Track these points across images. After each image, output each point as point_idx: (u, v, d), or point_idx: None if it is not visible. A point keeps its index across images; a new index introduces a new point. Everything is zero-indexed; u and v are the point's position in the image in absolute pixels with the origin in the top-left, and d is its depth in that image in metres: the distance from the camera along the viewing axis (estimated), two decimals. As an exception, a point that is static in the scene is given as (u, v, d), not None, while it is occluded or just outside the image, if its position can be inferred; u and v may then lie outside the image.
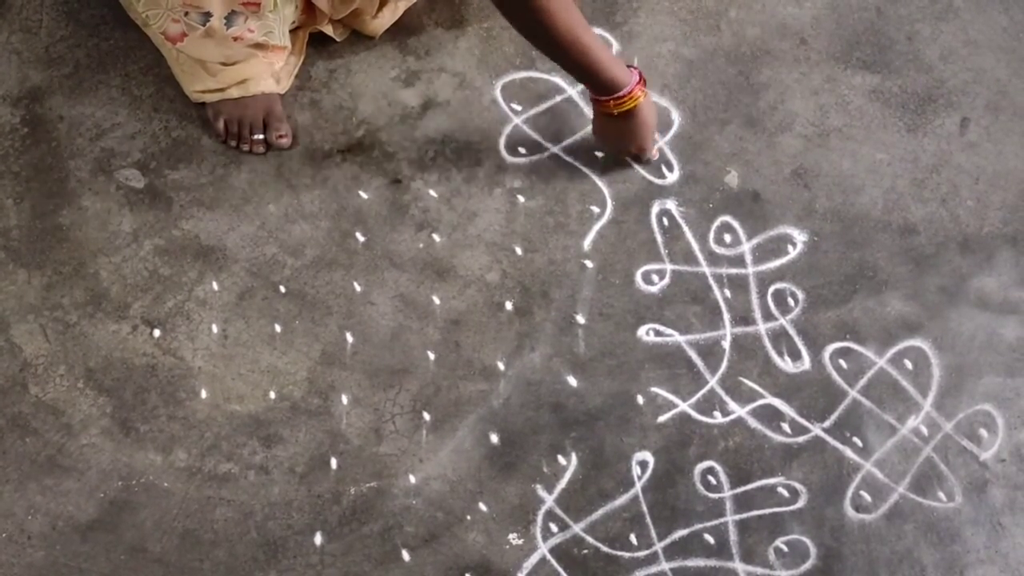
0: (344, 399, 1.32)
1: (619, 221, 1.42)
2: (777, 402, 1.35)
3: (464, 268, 1.38)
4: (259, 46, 1.32)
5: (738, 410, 1.34)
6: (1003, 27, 1.55)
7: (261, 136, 1.39)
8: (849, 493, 1.32)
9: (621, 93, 1.27)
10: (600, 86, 1.27)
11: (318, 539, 1.27)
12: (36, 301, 1.34)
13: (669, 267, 1.40)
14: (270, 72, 1.37)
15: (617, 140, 1.38)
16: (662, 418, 1.34)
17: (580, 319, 1.37)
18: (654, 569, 1.28)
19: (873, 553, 1.30)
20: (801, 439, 1.34)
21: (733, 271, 1.40)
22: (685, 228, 1.42)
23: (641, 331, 1.37)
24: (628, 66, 1.29)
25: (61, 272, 1.35)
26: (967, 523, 1.31)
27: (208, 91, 1.37)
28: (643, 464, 1.32)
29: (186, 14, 1.25)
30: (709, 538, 1.29)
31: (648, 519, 1.29)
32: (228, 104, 1.38)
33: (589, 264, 1.40)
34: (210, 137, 1.42)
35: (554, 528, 1.29)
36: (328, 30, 1.41)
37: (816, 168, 1.46)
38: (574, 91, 1.47)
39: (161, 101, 1.43)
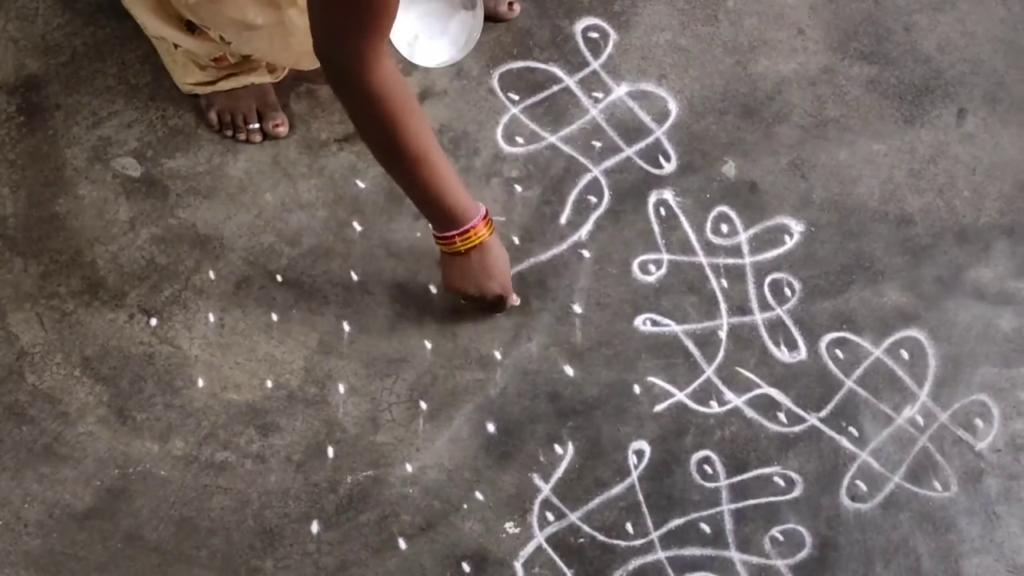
0: (341, 388, 1.32)
1: (616, 211, 1.42)
2: (773, 392, 1.35)
3: (461, 257, 1.38)
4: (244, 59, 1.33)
5: (734, 400, 1.34)
6: (1000, 18, 1.55)
7: (257, 125, 1.39)
8: (845, 483, 1.32)
9: (467, 226, 1.18)
10: (443, 216, 1.17)
11: (315, 527, 1.27)
12: (32, 289, 1.34)
13: (666, 257, 1.40)
14: (262, 63, 1.37)
15: (473, 283, 1.25)
16: (659, 407, 1.34)
17: (577, 309, 1.37)
18: (650, 558, 1.28)
19: (869, 542, 1.30)
20: (797, 429, 1.34)
21: (730, 261, 1.40)
22: (682, 218, 1.42)
23: (638, 321, 1.37)
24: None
25: (57, 260, 1.35)
26: (962, 513, 1.32)
27: (200, 83, 1.36)
28: (639, 453, 1.32)
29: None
30: (705, 527, 1.29)
31: (644, 508, 1.30)
32: (220, 96, 1.37)
33: (586, 254, 1.40)
34: (207, 126, 1.41)
35: (551, 517, 1.29)
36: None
37: (813, 158, 1.46)
38: (571, 81, 1.47)
39: (158, 90, 1.43)
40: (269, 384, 1.32)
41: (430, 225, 1.23)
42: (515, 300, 1.32)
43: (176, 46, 1.29)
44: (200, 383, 1.31)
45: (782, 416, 1.34)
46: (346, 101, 1.08)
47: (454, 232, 1.19)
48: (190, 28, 1.26)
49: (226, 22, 1.21)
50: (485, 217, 1.21)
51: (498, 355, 1.34)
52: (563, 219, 1.41)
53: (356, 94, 1.04)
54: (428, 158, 1.12)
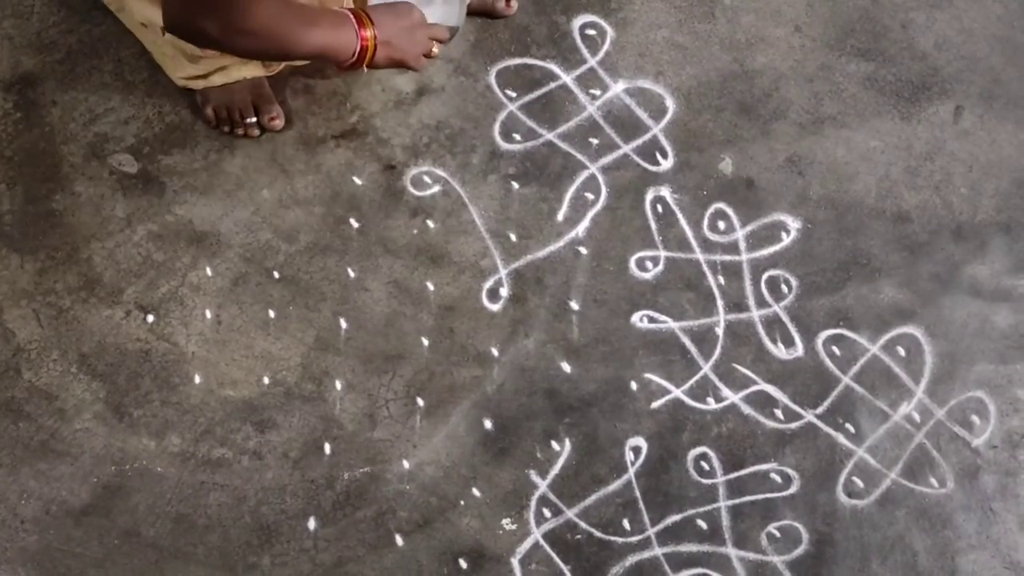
0: (338, 385, 1.32)
1: (613, 208, 1.42)
2: (770, 388, 1.35)
3: (458, 254, 1.38)
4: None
5: (731, 396, 1.35)
6: (997, 15, 1.55)
7: (254, 120, 1.39)
8: (841, 479, 1.32)
9: (352, 61, 1.15)
10: (334, 62, 1.16)
11: (311, 524, 1.27)
12: (29, 286, 1.34)
13: (663, 254, 1.40)
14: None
15: (407, 48, 1.20)
16: (655, 404, 1.34)
17: (574, 305, 1.37)
18: (647, 554, 1.28)
19: (865, 538, 1.30)
20: (794, 425, 1.34)
21: (727, 258, 1.40)
22: (679, 215, 1.42)
23: (635, 317, 1.37)
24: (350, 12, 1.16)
25: (54, 257, 1.35)
26: (959, 509, 1.32)
27: (192, 78, 1.36)
28: (636, 450, 1.32)
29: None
30: (702, 523, 1.30)
31: (641, 504, 1.30)
32: (215, 91, 1.37)
33: (583, 251, 1.40)
34: (203, 122, 1.41)
35: (547, 513, 1.29)
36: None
37: (810, 155, 1.46)
38: (569, 78, 1.47)
39: (154, 86, 1.42)
40: (266, 381, 1.32)
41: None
42: (430, 58, 1.26)
43: (164, 32, 1.28)
44: (197, 380, 1.31)
45: (779, 413, 1.34)
46: (236, 48, 1.08)
47: (352, 59, 1.15)
48: None
49: None
50: (359, 22, 1.15)
51: (495, 352, 1.34)
52: (560, 216, 1.41)
53: (246, 37, 1.04)
54: (308, 24, 1.09)
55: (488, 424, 1.32)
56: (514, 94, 1.46)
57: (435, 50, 1.25)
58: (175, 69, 1.36)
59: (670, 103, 1.47)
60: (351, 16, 1.15)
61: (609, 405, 1.33)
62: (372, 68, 1.19)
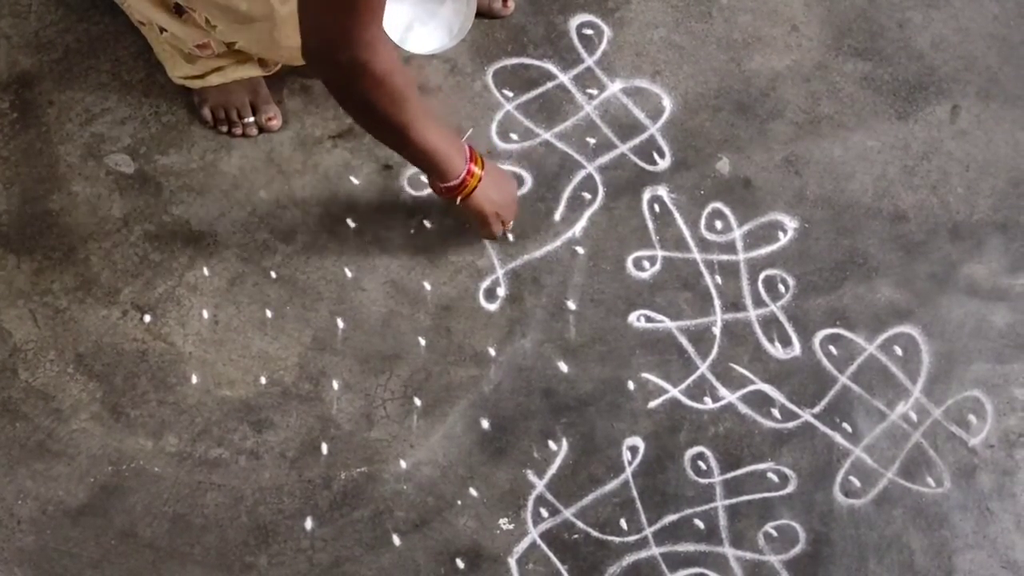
0: (335, 384, 1.32)
1: (610, 207, 1.42)
2: (767, 388, 1.35)
3: (455, 254, 1.38)
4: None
5: (728, 396, 1.35)
6: (994, 15, 1.55)
7: (252, 119, 1.39)
8: (838, 478, 1.32)
9: (454, 183, 1.21)
10: (442, 169, 1.20)
11: (309, 524, 1.27)
12: (26, 286, 1.34)
13: (660, 253, 1.40)
14: (252, 56, 1.36)
15: (498, 208, 1.28)
16: (653, 404, 1.34)
17: (571, 305, 1.37)
18: (644, 554, 1.28)
19: (862, 538, 1.30)
20: (791, 425, 1.34)
21: (724, 257, 1.40)
22: (676, 215, 1.42)
23: (632, 317, 1.37)
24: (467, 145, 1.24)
25: (51, 257, 1.35)
26: (955, 508, 1.32)
27: (189, 77, 1.36)
28: (633, 449, 1.32)
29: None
30: (699, 523, 1.30)
31: (638, 504, 1.30)
32: (212, 91, 1.37)
33: (580, 250, 1.40)
34: (201, 123, 1.41)
35: (545, 513, 1.29)
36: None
37: (807, 155, 1.46)
38: (566, 77, 1.47)
39: (151, 86, 1.42)
40: (263, 380, 1.32)
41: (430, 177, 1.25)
42: (499, 231, 1.32)
43: (162, 31, 1.28)
44: (194, 379, 1.31)
45: (776, 412, 1.34)
46: (359, 95, 1.07)
47: (454, 183, 1.22)
48: (178, 12, 1.25)
49: (213, 4, 1.20)
50: (472, 156, 1.23)
51: (492, 351, 1.34)
52: (557, 216, 1.41)
53: (371, 83, 1.04)
54: (431, 123, 1.15)
55: (485, 424, 1.32)
56: (511, 94, 1.46)
57: (508, 227, 1.35)
58: (173, 68, 1.36)
59: (667, 103, 1.47)
60: (468, 148, 1.23)
61: (606, 405, 1.33)
62: (463, 206, 1.25)
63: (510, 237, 1.38)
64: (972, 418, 1.36)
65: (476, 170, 1.23)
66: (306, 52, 1.03)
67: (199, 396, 1.31)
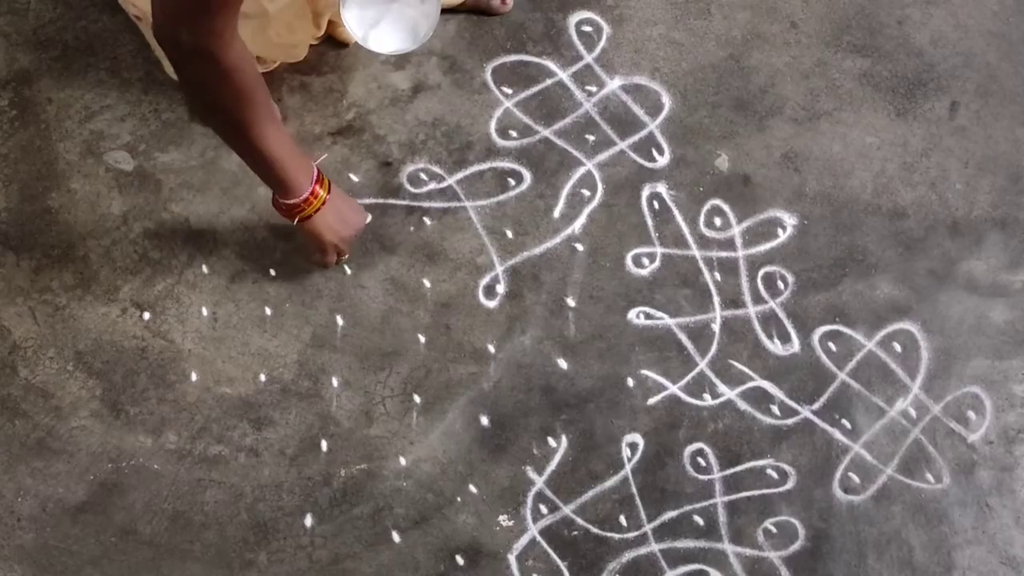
0: (335, 382, 1.32)
1: (610, 204, 1.42)
2: (766, 384, 1.35)
3: (454, 251, 1.38)
4: None
5: (728, 392, 1.35)
6: (993, 11, 1.56)
7: (250, 117, 1.39)
8: (838, 475, 1.32)
9: (294, 201, 1.18)
10: (286, 184, 1.16)
11: (308, 521, 1.27)
12: (25, 284, 1.34)
13: (659, 250, 1.40)
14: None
15: (333, 235, 1.25)
16: (652, 400, 1.34)
17: (570, 302, 1.37)
18: (643, 550, 1.28)
19: (861, 534, 1.30)
20: (790, 421, 1.34)
21: (723, 254, 1.40)
22: (675, 211, 1.42)
23: (631, 314, 1.37)
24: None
25: (50, 255, 1.35)
26: (955, 504, 1.32)
27: None
28: (633, 446, 1.32)
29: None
30: (698, 519, 1.30)
31: (638, 501, 1.30)
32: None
33: (580, 247, 1.40)
34: (200, 120, 1.41)
35: (544, 510, 1.29)
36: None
37: (806, 152, 1.46)
38: (565, 74, 1.47)
39: (150, 84, 1.42)
40: (262, 378, 1.32)
41: (274, 202, 1.21)
42: (330, 262, 1.31)
43: None
44: (193, 377, 1.31)
45: (775, 409, 1.34)
46: (196, 80, 1.04)
47: (299, 200, 1.18)
48: None
49: None
50: (318, 178, 1.20)
51: (491, 348, 1.35)
52: (556, 212, 1.41)
53: (213, 71, 1.01)
54: (274, 131, 1.11)
55: (485, 421, 1.32)
56: (510, 91, 1.46)
57: (343, 259, 1.34)
58: (169, 65, 1.36)
59: (666, 100, 1.47)
60: (316, 170, 1.20)
61: (606, 401, 1.33)
62: (301, 229, 1.23)
63: (347, 270, 1.36)
64: (971, 414, 1.36)
65: (321, 192, 1.20)
66: (153, 25, 1.01)
67: (198, 393, 1.31)
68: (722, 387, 1.35)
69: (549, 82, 1.47)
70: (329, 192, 1.22)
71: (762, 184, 1.44)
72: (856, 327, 1.38)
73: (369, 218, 1.35)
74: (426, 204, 1.40)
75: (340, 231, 1.26)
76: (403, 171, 1.41)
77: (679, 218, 1.42)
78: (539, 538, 1.28)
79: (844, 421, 1.34)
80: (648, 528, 1.29)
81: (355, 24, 1.25)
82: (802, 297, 1.39)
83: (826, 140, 1.47)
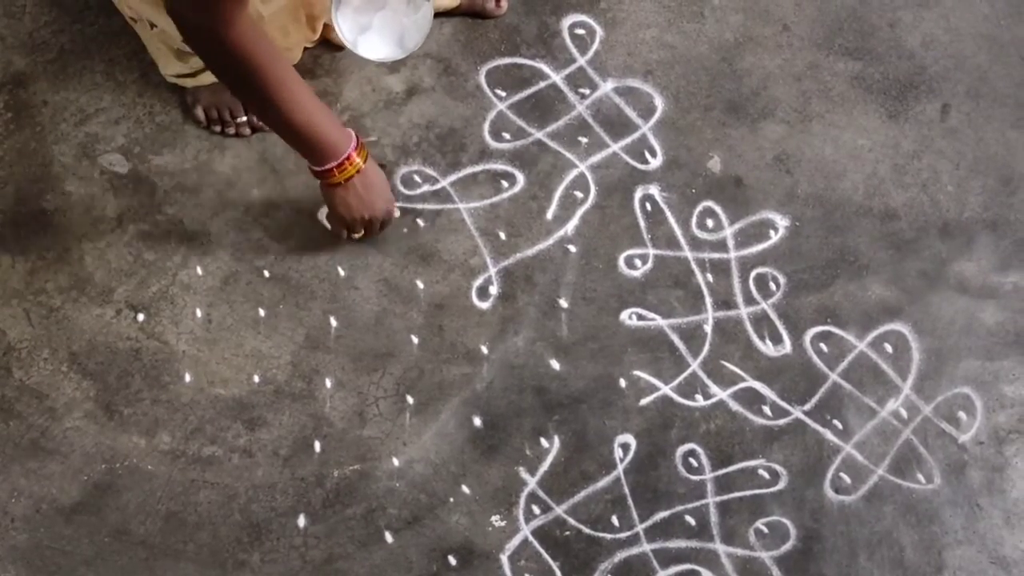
0: (328, 383, 1.33)
1: (602, 206, 1.42)
2: (758, 385, 1.36)
3: (448, 253, 1.39)
4: None
5: (720, 393, 1.35)
6: (984, 14, 1.56)
7: (244, 119, 1.40)
8: (829, 475, 1.33)
9: (341, 158, 1.19)
10: (318, 151, 1.18)
11: (301, 521, 1.27)
12: (20, 286, 1.34)
13: (652, 252, 1.41)
14: None
15: (359, 209, 1.26)
16: (644, 401, 1.34)
17: (563, 303, 1.38)
18: (636, 550, 1.29)
19: (852, 534, 1.31)
20: (782, 422, 1.35)
21: (715, 256, 1.41)
22: (668, 213, 1.43)
23: (624, 315, 1.38)
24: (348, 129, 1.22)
25: (45, 257, 1.36)
26: (946, 504, 1.33)
27: (181, 76, 1.36)
28: (625, 447, 1.33)
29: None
30: (690, 520, 1.30)
31: (630, 501, 1.30)
32: (205, 90, 1.38)
33: (572, 249, 1.40)
34: (194, 123, 1.42)
35: (537, 510, 1.29)
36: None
37: (798, 154, 1.47)
38: (558, 77, 1.48)
39: (145, 86, 1.43)
40: (256, 379, 1.32)
41: (307, 161, 1.22)
42: (396, 212, 1.34)
43: (152, 26, 1.28)
44: (187, 378, 1.32)
45: (767, 409, 1.35)
46: (207, 57, 1.08)
47: (331, 164, 1.19)
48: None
49: None
50: (357, 145, 1.21)
51: (484, 349, 1.35)
52: (549, 214, 1.42)
53: (219, 50, 1.05)
54: (297, 99, 1.12)
55: (477, 421, 1.32)
56: (504, 93, 1.47)
57: (363, 234, 1.34)
58: (165, 65, 1.36)
59: (659, 102, 1.48)
60: (356, 137, 1.21)
61: (598, 402, 1.34)
62: (331, 194, 1.24)
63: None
64: (962, 415, 1.37)
65: (357, 160, 1.21)
66: (166, 6, 1.04)
67: (192, 394, 1.31)
68: (714, 388, 1.35)
69: (542, 85, 1.48)
70: (366, 163, 1.22)
71: (754, 186, 1.45)
72: (847, 328, 1.39)
73: (398, 214, 1.36)
74: (420, 206, 1.41)
75: (376, 202, 1.26)
76: (397, 173, 1.42)
77: (671, 220, 1.42)
78: (531, 538, 1.28)
79: (835, 422, 1.35)
80: (640, 528, 1.29)
81: (346, 30, 1.26)
82: (794, 298, 1.40)
83: (818, 142, 1.48)
